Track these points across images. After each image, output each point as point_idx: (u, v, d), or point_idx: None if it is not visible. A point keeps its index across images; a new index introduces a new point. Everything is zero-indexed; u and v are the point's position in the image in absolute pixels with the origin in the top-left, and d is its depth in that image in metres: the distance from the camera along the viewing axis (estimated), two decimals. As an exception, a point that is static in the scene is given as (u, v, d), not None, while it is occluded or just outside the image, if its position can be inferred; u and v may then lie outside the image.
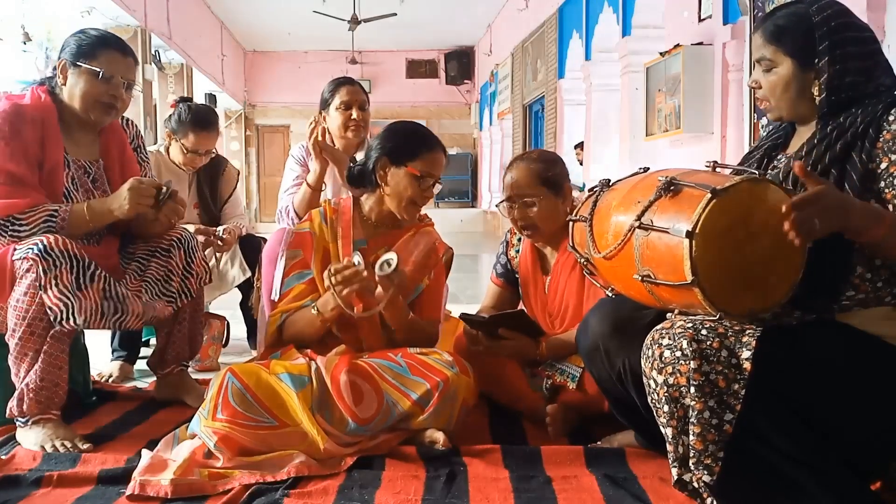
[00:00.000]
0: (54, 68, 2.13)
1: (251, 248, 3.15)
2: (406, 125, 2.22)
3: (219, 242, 3.06)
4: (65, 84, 2.10)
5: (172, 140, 3.11)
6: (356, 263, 1.90)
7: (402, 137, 2.14)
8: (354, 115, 2.78)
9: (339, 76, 2.98)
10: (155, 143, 3.47)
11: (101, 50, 2.09)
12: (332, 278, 1.90)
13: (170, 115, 3.15)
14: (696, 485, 1.37)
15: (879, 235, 1.31)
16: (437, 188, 2.15)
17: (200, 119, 3.07)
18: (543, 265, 2.33)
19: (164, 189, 2.09)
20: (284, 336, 2.09)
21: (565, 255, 2.21)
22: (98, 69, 2.07)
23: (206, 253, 3.05)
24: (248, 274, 3.11)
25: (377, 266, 1.94)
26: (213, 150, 3.21)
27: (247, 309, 3.25)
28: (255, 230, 3.45)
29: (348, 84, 2.84)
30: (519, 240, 2.41)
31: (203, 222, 3.21)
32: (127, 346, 2.86)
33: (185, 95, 3.33)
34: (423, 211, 2.27)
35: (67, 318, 1.89)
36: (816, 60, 1.46)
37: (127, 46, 2.17)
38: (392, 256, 1.93)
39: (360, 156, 2.54)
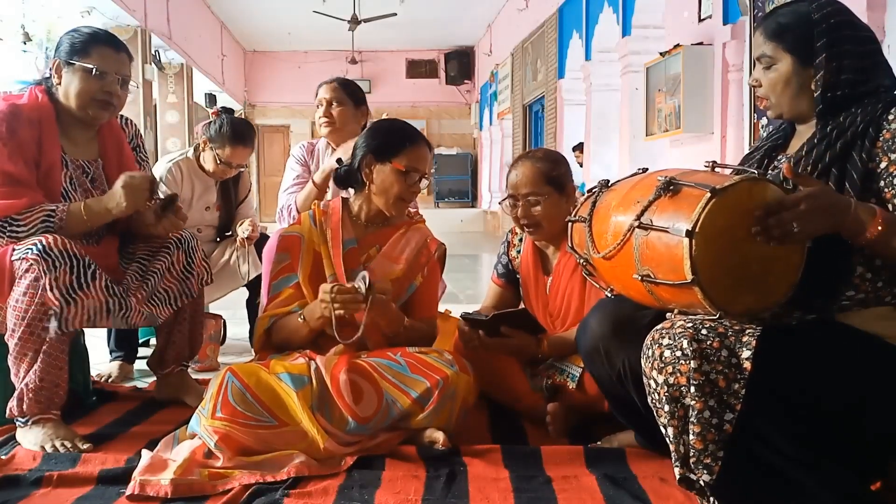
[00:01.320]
0: (50, 68, 2.13)
1: (262, 246, 3.19)
2: (389, 122, 2.23)
3: (245, 240, 3.16)
4: (60, 84, 2.10)
5: (207, 147, 3.15)
6: (358, 288, 1.90)
7: (385, 134, 2.14)
8: (322, 111, 2.85)
9: (337, 76, 3.01)
10: (155, 144, 3.52)
11: (93, 47, 2.08)
12: (332, 297, 1.89)
13: (209, 123, 3.18)
14: (702, 482, 1.37)
15: (874, 234, 1.31)
16: (424, 183, 2.16)
17: (240, 134, 3.12)
18: (545, 266, 2.33)
19: (168, 198, 2.11)
20: (273, 340, 2.09)
21: (567, 256, 2.21)
22: (91, 66, 2.06)
23: (216, 251, 3.16)
24: (261, 269, 3.14)
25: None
26: (245, 165, 3.28)
27: (252, 307, 3.26)
28: (265, 230, 3.51)
29: (325, 83, 2.92)
30: (520, 240, 2.41)
31: (221, 221, 3.30)
32: (124, 346, 2.87)
33: (227, 107, 3.38)
34: (422, 210, 2.27)
35: (63, 322, 1.89)
36: (815, 57, 1.47)
37: (120, 42, 2.16)
38: (363, 275, 1.92)
39: None
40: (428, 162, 2.17)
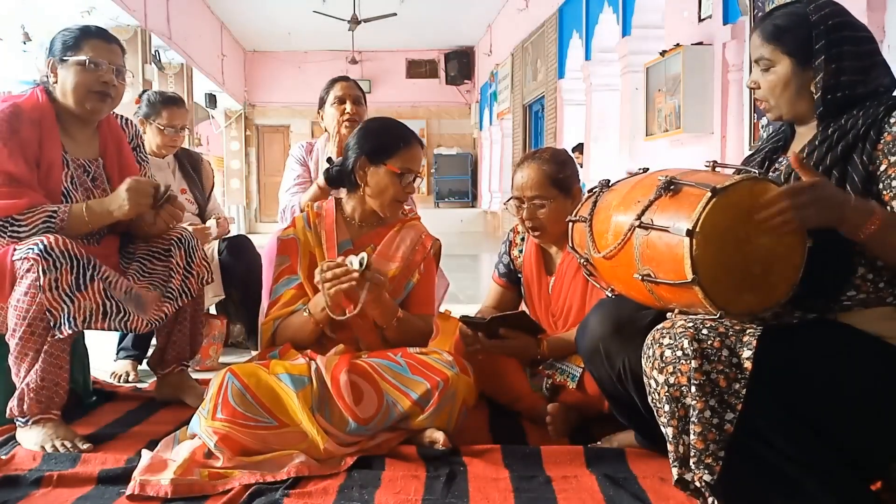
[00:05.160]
0: (47, 68, 2.13)
1: (242, 248, 3.16)
2: (381, 122, 2.21)
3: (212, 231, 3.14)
4: (56, 82, 2.11)
5: (147, 126, 3.15)
6: (349, 263, 1.90)
7: (378, 136, 2.13)
8: (348, 109, 2.81)
9: (342, 74, 3.01)
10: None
11: (84, 40, 2.09)
12: (323, 275, 1.90)
13: (139, 107, 3.21)
14: (697, 484, 1.37)
15: (873, 231, 1.31)
16: (419, 182, 2.16)
17: (169, 97, 3.22)
18: (548, 265, 2.33)
19: (164, 191, 2.10)
20: (278, 342, 2.09)
21: (570, 257, 2.20)
22: (84, 58, 2.07)
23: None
24: (222, 295, 3.12)
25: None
26: (187, 127, 3.31)
27: (248, 307, 3.25)
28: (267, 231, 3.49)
29: (342, 80, 2.92)
30: (522, 239, 2.40)
31: (198, 206, 3.27)
32: (139, 346, 2.87)
33: (147, 90, 3.43)
34: (422, 210, 2.26)
35: (64, 322, 1.89)
36: (814, 59, 1.46)
37: (110, 35, 2.17)
38: (362, 256, 1.92)
39: None
40: (421, 161, 2.16)
